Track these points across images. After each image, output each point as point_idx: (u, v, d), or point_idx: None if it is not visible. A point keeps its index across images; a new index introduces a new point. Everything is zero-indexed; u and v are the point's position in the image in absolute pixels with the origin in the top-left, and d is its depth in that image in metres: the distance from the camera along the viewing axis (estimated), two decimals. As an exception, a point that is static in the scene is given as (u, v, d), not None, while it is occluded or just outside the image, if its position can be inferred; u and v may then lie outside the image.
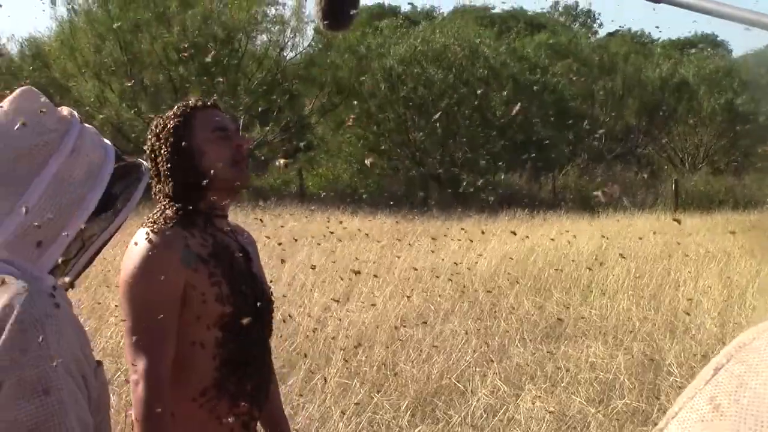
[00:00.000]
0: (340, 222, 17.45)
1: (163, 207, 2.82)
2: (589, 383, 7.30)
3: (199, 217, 2.81)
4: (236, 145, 2.85)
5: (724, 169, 36.73)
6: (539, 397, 6.83)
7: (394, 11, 51.16)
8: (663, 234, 16.74)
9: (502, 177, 31.71)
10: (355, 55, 31.94)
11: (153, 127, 2.87)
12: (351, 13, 1.63)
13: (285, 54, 32.17)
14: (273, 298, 3.02)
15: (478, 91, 31.25)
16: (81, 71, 28.13)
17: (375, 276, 10.80)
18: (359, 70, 31.59)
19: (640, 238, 15.22)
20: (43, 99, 2.01)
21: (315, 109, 32.32)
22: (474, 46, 32.49)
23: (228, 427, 2.77)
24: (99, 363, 1.98)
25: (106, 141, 2.07)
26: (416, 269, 11.74)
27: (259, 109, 29.80)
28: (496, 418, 6.42)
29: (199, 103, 2.89)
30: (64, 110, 2.03)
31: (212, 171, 2.78)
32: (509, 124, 31.99)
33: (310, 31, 32.34)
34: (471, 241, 14.55)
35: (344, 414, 6.31)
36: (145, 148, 2.86)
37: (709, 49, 50.28)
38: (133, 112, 27.93)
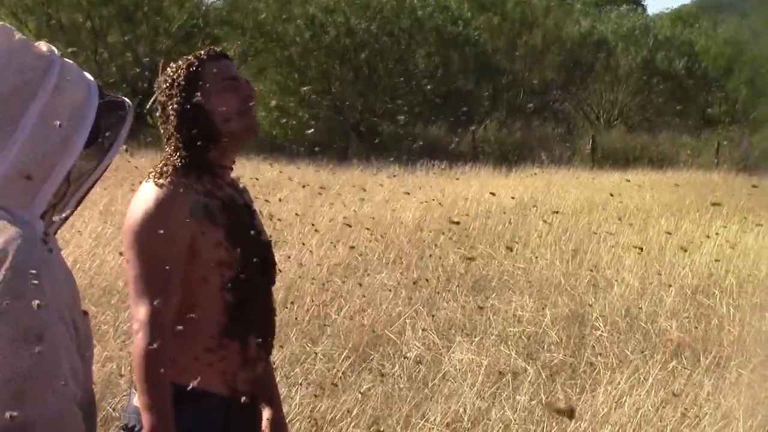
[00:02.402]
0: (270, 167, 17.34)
1: (170, 156, 2.81)
2: (517, 336, 7.42)
3: (206, 167, 2.81)
4: (245, 96, 2.84)
5: (637, 127, 37.23)
6: (470, 349, 6.92)
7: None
8: (583, 189, 16.99)
9: (425, 128, 31.75)
10: (278, 1, 31.57)
11: (163, 76, 2.85)
12: None
13: (207, -2, 31.79)
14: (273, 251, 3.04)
15: (401, 43, 31.22)
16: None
17: (312, 224, 10.78)
18: (282, 17, 31.28)
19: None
20: (19, 35, 1.94)
21: (236, 55, 31.99)
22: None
23: (237, 371, 2.80)
24: (85, 312, 1.97)
25: (88, 76, 2.01)
26: (342, 220, 11.75)
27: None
28: (432, 370, 6.51)
29: (210, 52, 2.87)
30: (43, 46, 1.97)
31: (219, 122, 2.79)
32: (430, 76, 32.02)
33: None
34: (393, 192, 14.60)
35: (275, 366, 6.32)
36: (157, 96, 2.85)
37: (625, 7, 50.80)
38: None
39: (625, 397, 6.11)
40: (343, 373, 6.34)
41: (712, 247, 11.36)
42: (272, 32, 31.00)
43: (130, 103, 2.09)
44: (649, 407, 5.99)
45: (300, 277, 8.70)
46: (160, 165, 2.80)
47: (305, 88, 29.29)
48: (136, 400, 2.70)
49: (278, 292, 8.03)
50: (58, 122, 1.85)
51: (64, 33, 28.22)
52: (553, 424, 5.58)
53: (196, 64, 2.83)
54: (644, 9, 60.46)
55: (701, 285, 9.53)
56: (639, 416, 5.85)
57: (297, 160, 22.30)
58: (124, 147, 2.17)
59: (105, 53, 28.32)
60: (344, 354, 6.64)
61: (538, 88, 38.20)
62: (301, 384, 5.98)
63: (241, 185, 3.03)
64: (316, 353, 6.63)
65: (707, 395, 6.34)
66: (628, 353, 7.12)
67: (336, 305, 7.93)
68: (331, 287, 8.59)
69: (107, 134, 2.00)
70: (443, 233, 11.44)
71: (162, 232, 2.64)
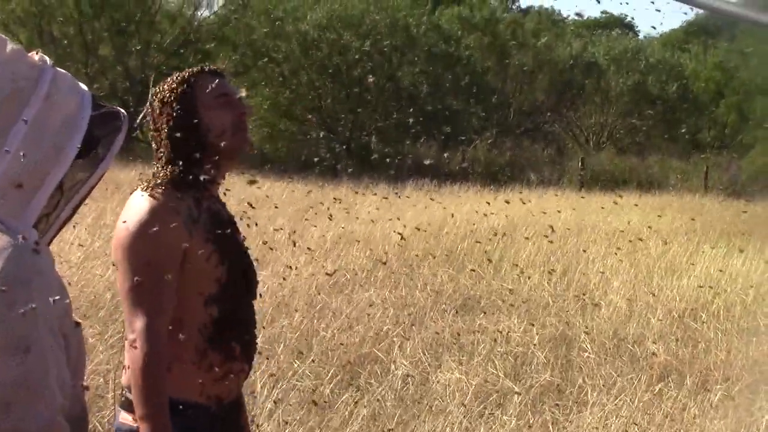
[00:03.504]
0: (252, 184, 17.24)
1: (160, 170, 2.82)
2: (505, 356, 7.41)
3: (197, 182, 2.81)
4: (238, 113, 2.85)
5: (626, 149, 37.28)
6: (458, 369, 6.91)
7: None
8: (571, 211, 16.98)
9: (414, 147, 31.73)
10: (271, 18, 31.59)
11: (156, 90, 2.86)
12: None
13: (199, 13, 31.77)
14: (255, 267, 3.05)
15: (393, 60, 31.23)
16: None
17: (293, 242, 10.76)
18: (274, 34, 31.27)
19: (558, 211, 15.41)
20: (12, 45, 1.94)
21: (227, 70, 31.88)
22: (394, 15, 32.35)
23: (221, 382, 2.81)
24: (77, 324, 1.96)
25: (82, 86, 2.02)
26: (331, 238, 11.74)
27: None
28: (419, 389, 6.50)
29: (204, 68, 2.89)
30: (35, 55, 1.97)
31: (213, 138, 2.81)
32: (419, 94, 32.09)
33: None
34: (382, 210, 14.57)
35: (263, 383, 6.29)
36: (148, 110, 2.85)
37: (617, 30, 50.91)
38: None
39: (611, 419, 6.12)
40: (330, 391, 6.33)
41: (699, 271, 11.38)
42: (264, 48, 30.98)
43: (126, 114, 2.09)
44: (636, 429, 6.00)
45: (289, 294, 8.69)
46: (152, 178, 2.80)
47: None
48: (122, 417, 2.72)
49: (267, 308, 8.02)
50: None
51: (56, 46, 28.19)
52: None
53: (190, 79, 2.84)
54: (636, 33, 60.73)
55: (688, 308, 9.54)
56: (625, 438, 5.86)
57: (286, 176, 22.24)
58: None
59: (96, 65, 28.31)
60: (332, 371, 6.64)
61: (529, 108, 38.22)
62: (288, 401, 5.97)
63: (222, 200, 3.03)
64: (303, 370, 6.61)
65: (693, 418, 6.35)
66: (615, 375, 7.13)
67: (324, 322, 7.92)
68: (319, 304, 8.57)
69: (101, 144, 2.00)
70: (431, 252, 11.44)
71: (156, 241, 2.64)
